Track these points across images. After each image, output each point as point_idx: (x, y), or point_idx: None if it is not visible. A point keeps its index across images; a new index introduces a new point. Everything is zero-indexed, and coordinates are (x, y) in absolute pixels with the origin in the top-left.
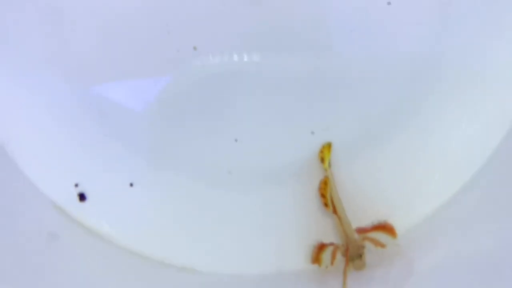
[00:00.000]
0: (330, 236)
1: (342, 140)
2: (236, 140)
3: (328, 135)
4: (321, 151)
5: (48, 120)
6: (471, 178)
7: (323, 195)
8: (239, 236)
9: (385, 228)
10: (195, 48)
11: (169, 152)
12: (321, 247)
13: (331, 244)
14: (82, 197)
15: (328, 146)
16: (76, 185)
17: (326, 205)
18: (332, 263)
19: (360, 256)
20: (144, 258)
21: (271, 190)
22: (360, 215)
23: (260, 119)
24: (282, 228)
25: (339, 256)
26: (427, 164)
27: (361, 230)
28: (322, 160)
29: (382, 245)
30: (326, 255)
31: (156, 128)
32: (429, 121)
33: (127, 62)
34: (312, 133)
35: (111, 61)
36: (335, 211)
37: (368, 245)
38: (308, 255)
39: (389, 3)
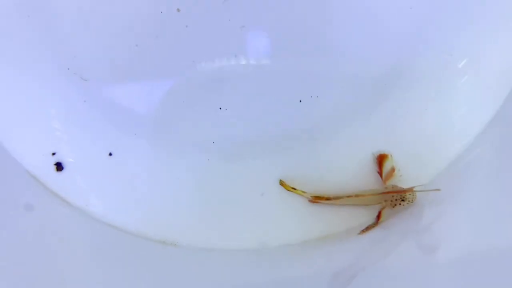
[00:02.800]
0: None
1: (330, 109)
2: (220, 109)
3: (316, 103)
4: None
5: (25, 86)
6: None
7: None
8: (220, 209)
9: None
10: None
11: (149, 121)
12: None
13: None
14: (59, 166)
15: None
16: (53, 154)
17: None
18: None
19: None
20: (123, 231)
21: (256, 161)
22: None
23: (246, 87)
24: (266, 202)
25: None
26: (412, 142)
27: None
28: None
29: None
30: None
31: (139, 99)
32: (415, 95)
33: None
34: (300, 101)
35: None
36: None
37: None
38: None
39: None
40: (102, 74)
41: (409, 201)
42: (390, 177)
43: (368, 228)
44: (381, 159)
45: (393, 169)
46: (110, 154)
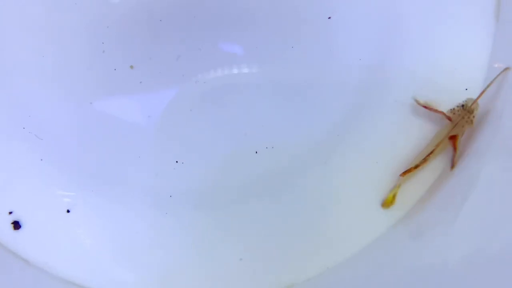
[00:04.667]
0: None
1: (287, 159)
2: (176, 162)
3: (273, 154)
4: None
5: None
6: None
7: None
8: (180, 263)
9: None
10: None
11: (106, 177)
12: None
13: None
14: (16, 225)
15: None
16: (10, 213)
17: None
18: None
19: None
20: None
21: (214, 214)
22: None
23: (202, 140)
24: (227, 255)
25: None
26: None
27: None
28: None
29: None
30: None
31: (95, 156)
32: (374, 139)
33: None
34: (256, 152)
35: None
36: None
37: None
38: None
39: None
40: (57, 132)
41: (475, 109)
42: (439, 107)
43: (454, 162)
44: (424, 104)
45: (432, 102)
46: (68, 211)
